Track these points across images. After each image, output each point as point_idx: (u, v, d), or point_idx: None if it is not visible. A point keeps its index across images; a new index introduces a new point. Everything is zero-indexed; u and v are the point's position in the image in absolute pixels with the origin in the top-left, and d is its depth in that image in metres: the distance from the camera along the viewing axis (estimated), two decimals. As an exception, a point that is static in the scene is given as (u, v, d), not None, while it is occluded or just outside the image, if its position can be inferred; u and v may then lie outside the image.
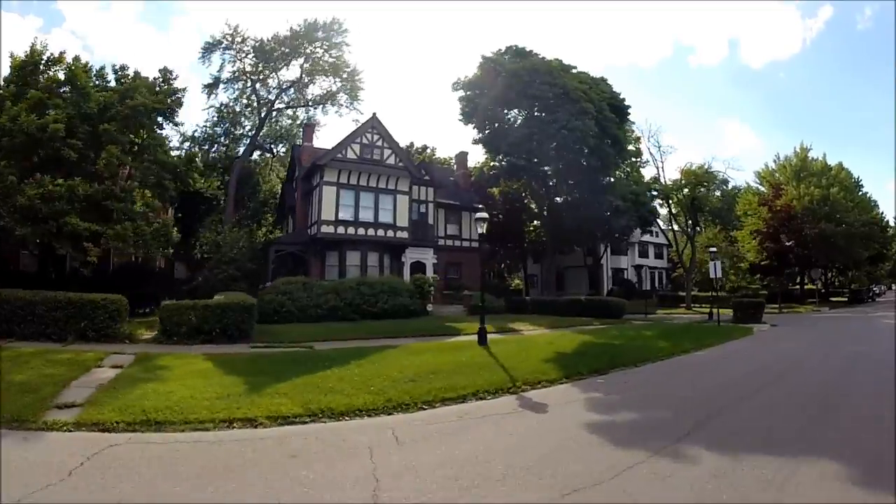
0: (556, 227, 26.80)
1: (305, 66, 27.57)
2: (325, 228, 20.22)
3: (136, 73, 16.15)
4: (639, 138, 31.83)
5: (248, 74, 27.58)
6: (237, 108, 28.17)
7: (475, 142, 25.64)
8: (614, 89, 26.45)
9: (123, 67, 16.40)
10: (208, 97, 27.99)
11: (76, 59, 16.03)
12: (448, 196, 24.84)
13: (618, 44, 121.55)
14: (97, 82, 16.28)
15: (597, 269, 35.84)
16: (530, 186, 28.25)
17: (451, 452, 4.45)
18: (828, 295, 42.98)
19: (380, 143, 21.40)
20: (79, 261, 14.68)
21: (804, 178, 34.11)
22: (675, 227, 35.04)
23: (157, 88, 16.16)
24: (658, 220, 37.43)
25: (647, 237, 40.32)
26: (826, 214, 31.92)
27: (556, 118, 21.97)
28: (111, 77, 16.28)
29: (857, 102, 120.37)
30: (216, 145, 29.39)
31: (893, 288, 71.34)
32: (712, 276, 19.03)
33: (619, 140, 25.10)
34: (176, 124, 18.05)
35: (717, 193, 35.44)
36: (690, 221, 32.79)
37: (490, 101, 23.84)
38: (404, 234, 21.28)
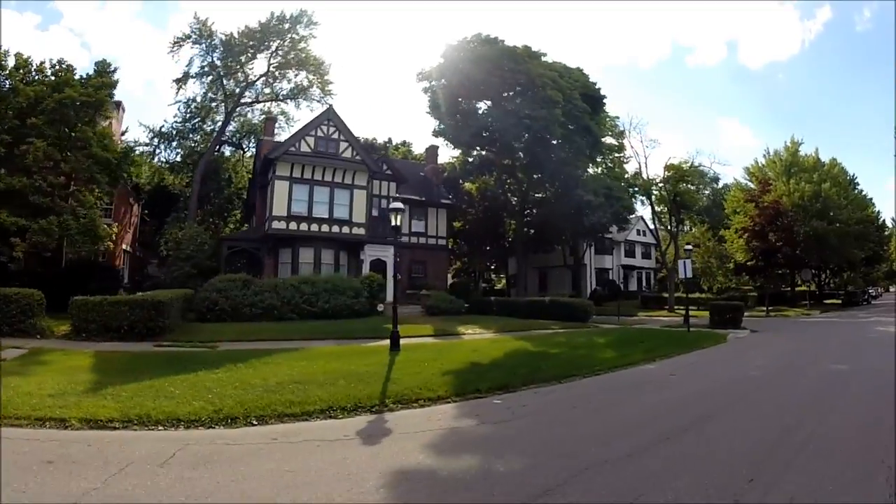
0: (527, 223, 26.02)
1: (273, 59, 27.10)
2: (276, 224, 19.73)
3: (69, 67, 15.74)
4: (622, 132, 30.70)
5: (216, 69, 27.18)
6: (205, 104, 27.75)
7: (436, 133, 24.76)
8: (591, 79, 25.52)
9: (61, 62, 16.02)
10: (177, 92, 27.68)
11: (13, 54, 15.71)
12: (414, 191, 24.11)
13: (617, 44, 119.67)
14: (36, 76, 15.93)
15: (579, 269, 34.89)
16: (502, 181, 27.40)
17: (189, 487, 3.82)
18: (821, 297, 41.33)
19: (336, 135, 20.78)
20: (6, 255, 14.39)
21: (795, 174, 32.54)
22: (660, 225, 33.77)
23: (96, 81, 15.75)
24: (644, 219, 36.38)
25: (633, 236, 39.23)
26: (818, 212, 30.17)
27: (518, 107, 21.07)
28: (49, 71, 15.89)
29: (857, 104, 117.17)
30: (185, 141, 29.03)
31: (891, 290, 68.82)
32: (682, 276, 17.86)
33: (592, 131, 24.07)
34: (106, 117, 17.60)
35: (707, 192, 34.13)
36: (673, 219, 31.58)
37: (452, 91, 23.03)
38: (361, 231, 20.66)
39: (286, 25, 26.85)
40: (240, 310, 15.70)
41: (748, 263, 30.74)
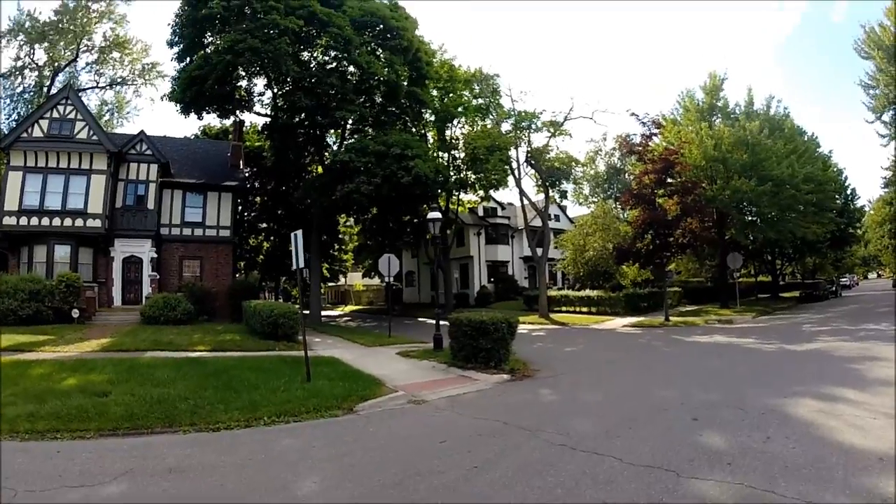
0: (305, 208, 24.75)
1: (83, 45, 27.69)
2: (7, 220, 19.72)
3: None
4: (496, 91, 27.83)
5: (35, 60, 28.23)
6: (26, 97, 28.90)
7: (165, 97, 23.14)
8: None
9: None
10: (4, 88, 28.98)
11: None
12: (195, 173, 23.25)
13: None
14: None
15: (468, 263, 32.23)
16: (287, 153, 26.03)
17: None
18: (778, 290, 34.72)
19: (72, 115, 20.53)
20: None
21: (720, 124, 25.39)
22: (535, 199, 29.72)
23: None
24: (556, 201, 32.84)
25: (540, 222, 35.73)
26: (743, 167, 22.92)
27: (232, 43, 19.34)
28: None
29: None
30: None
31: (870, 278, 57.69)
32: (295, 265, 7.20)
33: (368, 68, 21.42)
34: None
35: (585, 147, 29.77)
36: (540, 189, 27.96)
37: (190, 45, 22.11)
38: (97, 223, 20.14)
39: (97, 5, 27.37)
40: None
41: (637, 246, 25.33)
